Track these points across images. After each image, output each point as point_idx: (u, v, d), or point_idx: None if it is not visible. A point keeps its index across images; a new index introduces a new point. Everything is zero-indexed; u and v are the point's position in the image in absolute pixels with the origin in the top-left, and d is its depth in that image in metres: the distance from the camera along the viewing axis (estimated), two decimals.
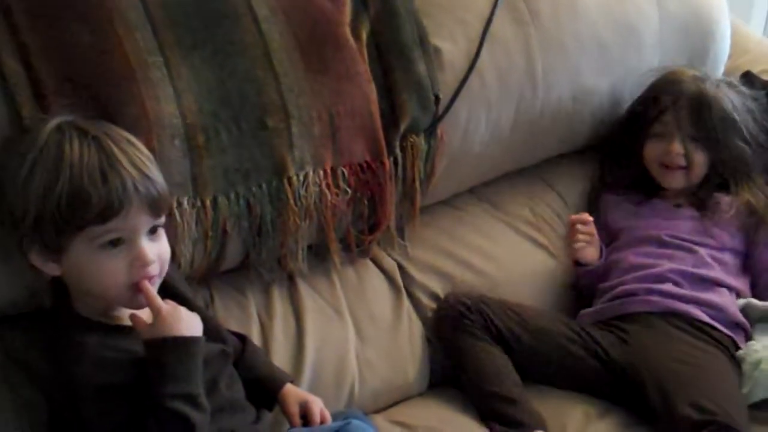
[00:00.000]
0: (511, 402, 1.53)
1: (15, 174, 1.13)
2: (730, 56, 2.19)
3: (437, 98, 1.61)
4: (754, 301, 1.64)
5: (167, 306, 1.16)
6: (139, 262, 1.15)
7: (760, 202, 1.73)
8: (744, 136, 1.77)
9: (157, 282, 1.19)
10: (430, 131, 1.62)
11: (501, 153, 1.76)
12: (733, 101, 1.78)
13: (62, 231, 1.11)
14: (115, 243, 1.14)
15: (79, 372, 1.12)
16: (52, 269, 1.15)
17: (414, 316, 1.67)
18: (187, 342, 1.14)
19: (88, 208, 1.10)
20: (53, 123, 1.15)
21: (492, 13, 1.69)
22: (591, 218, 1.73)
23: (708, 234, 1.73)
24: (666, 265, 1.68)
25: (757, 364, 1.51)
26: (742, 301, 1.64)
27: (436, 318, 1.65)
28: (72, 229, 1.11)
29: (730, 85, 1.83)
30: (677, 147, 1.75)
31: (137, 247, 1.15)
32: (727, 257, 1.72)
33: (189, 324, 1.16)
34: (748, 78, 1.96)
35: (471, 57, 1.66)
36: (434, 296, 1.69)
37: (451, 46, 1.65)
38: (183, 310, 1.17)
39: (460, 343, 1.60)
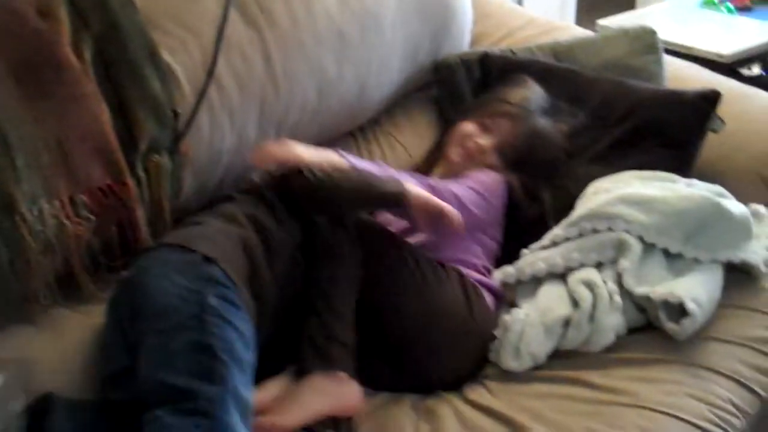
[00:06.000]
0: None
1: None
2: (474, 23, 2.27)
3: (176, 114, 1.56)
4: (505, 267, 1.65)
5: None
6: None
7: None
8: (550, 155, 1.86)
9: None
10: (173, 149, 1.57)
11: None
12: (549, 137, 1.87)
13: None
14: None
15: None
16: None
17: None
18: None
19: None
20: None
21: (224, 20, 1.65)
22: None
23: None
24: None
25: (521, 334, 1.52)
26: (498, 275, 1.66)
27: None
28: None
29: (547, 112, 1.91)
30: (484, 143, 1.83)
31: None
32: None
33: None
34: (487, 59, 2.03)
35: (207, 66, 1.62)
36: None
37: (185, 57, 1.60)
38: None
39: None
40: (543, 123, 1.87)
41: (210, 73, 1.62)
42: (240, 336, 1.30)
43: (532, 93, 1.90)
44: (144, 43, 1.55)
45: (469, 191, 1.73)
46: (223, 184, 1.71)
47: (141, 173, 1.54)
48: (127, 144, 1.52)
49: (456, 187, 1.70)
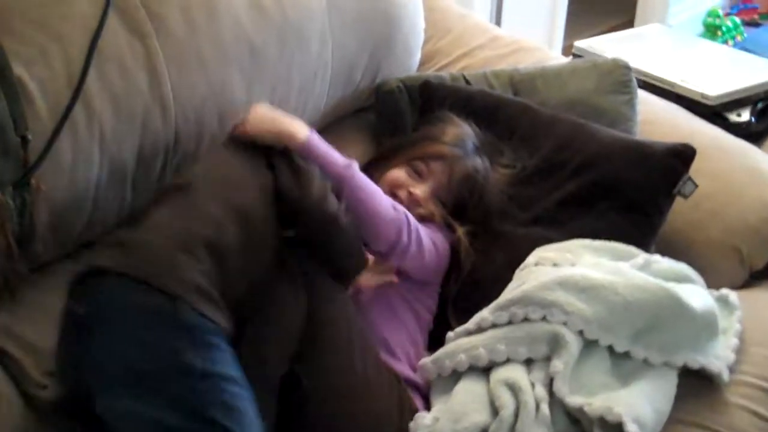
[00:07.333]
0: None
1: None
2: (430, 39, 2.05)
3: (25, 140, 1.28)
4: (423, 361, 1.40)
5: None
6: None
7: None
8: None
9: None
10: (21, 184, 1.28)
11: (128, 192, 1.45)
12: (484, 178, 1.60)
13: None
14: None
15: None
16: None
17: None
18: None
19: None
20: None
21: (101, 25, 1.36)
22: None
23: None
24: None
25: None
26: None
27: None
28: None
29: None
30: (419, 192, 1.56)
31: None
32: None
33: None
34: (427, 88, 1.75)
35: (73, 82, 1.33)
36: None
37: (45, 70, 1.31)
38: None
39: None
40: (480, 164, 1.59)
41: (77, 89, 1.33)
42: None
43: (463, 131, 1.62)
44: None
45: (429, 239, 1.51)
46: (93, 226, 1.42)
47: None
48: None
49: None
